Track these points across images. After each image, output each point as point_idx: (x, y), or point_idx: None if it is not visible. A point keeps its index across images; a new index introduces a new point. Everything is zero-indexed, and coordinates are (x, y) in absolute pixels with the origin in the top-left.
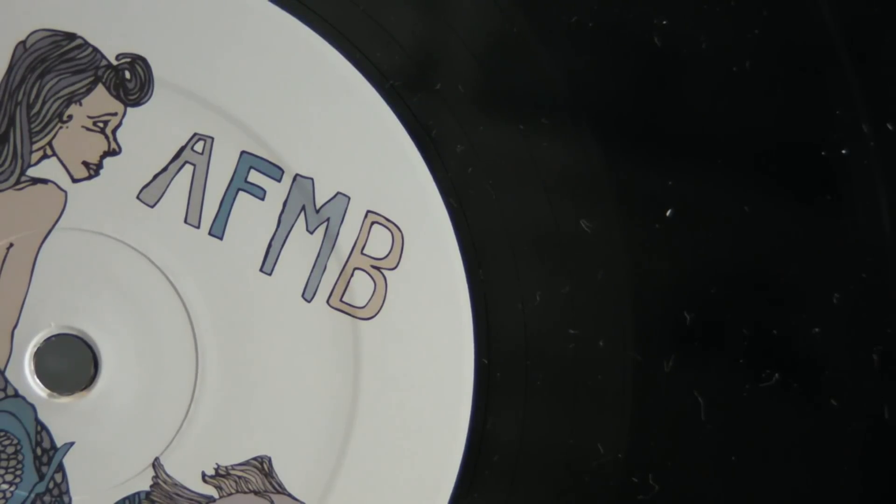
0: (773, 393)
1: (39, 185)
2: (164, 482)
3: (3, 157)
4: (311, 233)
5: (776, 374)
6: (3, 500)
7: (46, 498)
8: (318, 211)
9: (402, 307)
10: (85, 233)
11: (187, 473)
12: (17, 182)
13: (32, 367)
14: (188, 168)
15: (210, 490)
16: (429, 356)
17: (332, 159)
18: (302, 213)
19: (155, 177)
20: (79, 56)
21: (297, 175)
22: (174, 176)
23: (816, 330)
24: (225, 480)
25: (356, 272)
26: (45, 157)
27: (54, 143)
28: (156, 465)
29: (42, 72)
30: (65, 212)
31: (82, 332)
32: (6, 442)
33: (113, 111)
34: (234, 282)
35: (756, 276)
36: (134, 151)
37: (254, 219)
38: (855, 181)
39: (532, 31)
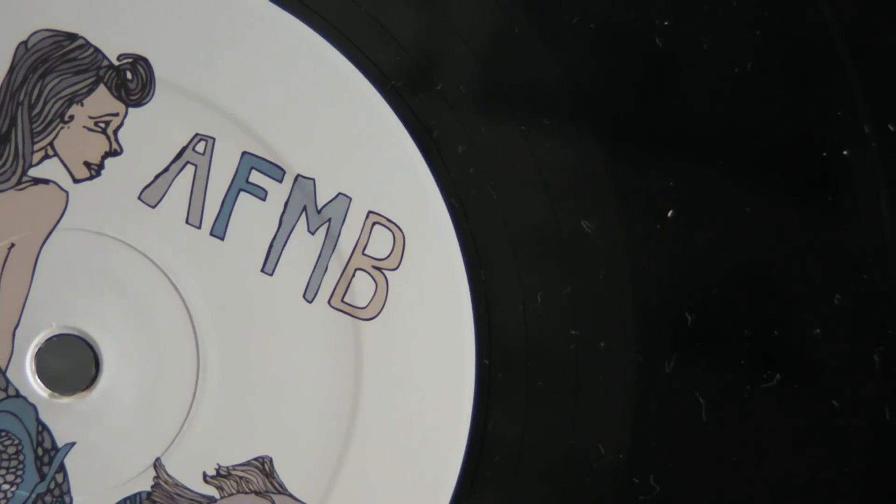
0: (774, 394)
1: (41, 186)
2: (166, 482)
3: (4, 158)
4: (313, 233)
5: (777, 375)
6: (5, 501)
7: (47, 498)
8: (319, 211)
9: (403, 308)
10: (86, 233)
11: (188, 474)
12: (19, 182)
13: (33, 367)
14: (189, 168)
15: (211, 490)
16: (430, 357)
17: (334, 160)
18: (303, 214)
19: (156, 177)
20: (80, 56)
21: (298, 175)
22: (175, 176)
23: (818, 331)
24: (226, 481)
25: (357, 273)
26: (46, 157)
27: (56, 143)
28: (157, 465)
29: (44, 72)
30: (66, 212)
31: (83, 332)
32: (7, 442)
33: (114, 111)
34: (235, 282)
35: (757, 277)
36: (135, 152)
37: (255, 219)
38: (856, 182)
39: (534, 32)
